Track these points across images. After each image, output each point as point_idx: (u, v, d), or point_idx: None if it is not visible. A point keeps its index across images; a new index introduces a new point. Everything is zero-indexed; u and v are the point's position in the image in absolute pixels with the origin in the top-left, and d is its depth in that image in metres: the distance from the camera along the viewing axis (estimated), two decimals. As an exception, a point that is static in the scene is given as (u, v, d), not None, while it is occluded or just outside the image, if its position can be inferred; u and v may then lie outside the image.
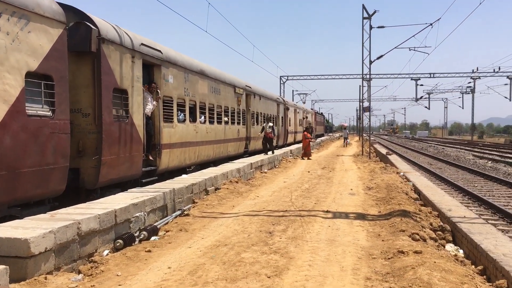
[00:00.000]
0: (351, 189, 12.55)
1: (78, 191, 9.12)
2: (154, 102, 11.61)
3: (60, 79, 7.85)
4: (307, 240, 6.81)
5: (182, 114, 13.62)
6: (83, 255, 6.02)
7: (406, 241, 6.50)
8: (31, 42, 7.18)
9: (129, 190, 9.13)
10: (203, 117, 15.47)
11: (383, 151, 30.27)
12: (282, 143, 31.73)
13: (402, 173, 16.10)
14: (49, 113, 7.63)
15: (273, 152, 21.75)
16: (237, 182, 12.96)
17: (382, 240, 6.80)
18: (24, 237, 5.04)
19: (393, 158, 24.05)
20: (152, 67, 11.93)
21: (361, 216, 8.72)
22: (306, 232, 7.35)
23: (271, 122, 21.92)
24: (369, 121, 29.79)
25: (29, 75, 7.13)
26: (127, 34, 10.47)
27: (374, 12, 25.17)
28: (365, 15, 25.13)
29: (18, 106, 6.86)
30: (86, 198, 8.84)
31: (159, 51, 12.05)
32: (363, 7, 25.04)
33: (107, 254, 6.36)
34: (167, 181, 10.70)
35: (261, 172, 16.98)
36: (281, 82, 58.24)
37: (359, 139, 52.42)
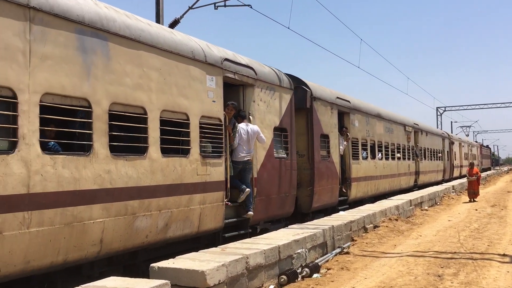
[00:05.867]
0: (530, 230, 11.12)
1: (296, 214, 11.41)
2: (345, 143, 14.08)
3: (290, 130, 10.62)
4: (484, 287, 6.20)
5: (364, 152, 15.86)
6: (251, 289, 6.28)
7: None
8: (275, 106, 10.09)
9: (289, 226, 9.53)
10: (380, 154, 17.58)
11: None
12: (448, 177, 31.97)
13: None
14: (285, 156, 10.37)
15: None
16: (396, 220, 12.46)
17: None
18: (201, 269, 5.37)
19: None
20: (343, 114, 14.45)
21: (546, 262, 7.64)
22: (481, 277, 6.70)
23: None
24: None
25: (275, 129, 9.97)
26: (327, 90, 13.21)
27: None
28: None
29: (270, 151, 9.70)
30: (302, 220, 11.12)
31: (348, 101, 14.64)
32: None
33: (272, 290, 6.53)
34: (325, 218, 10.85)
35: (421, 210, 16.03)
36: (438, 113, 55.26)
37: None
